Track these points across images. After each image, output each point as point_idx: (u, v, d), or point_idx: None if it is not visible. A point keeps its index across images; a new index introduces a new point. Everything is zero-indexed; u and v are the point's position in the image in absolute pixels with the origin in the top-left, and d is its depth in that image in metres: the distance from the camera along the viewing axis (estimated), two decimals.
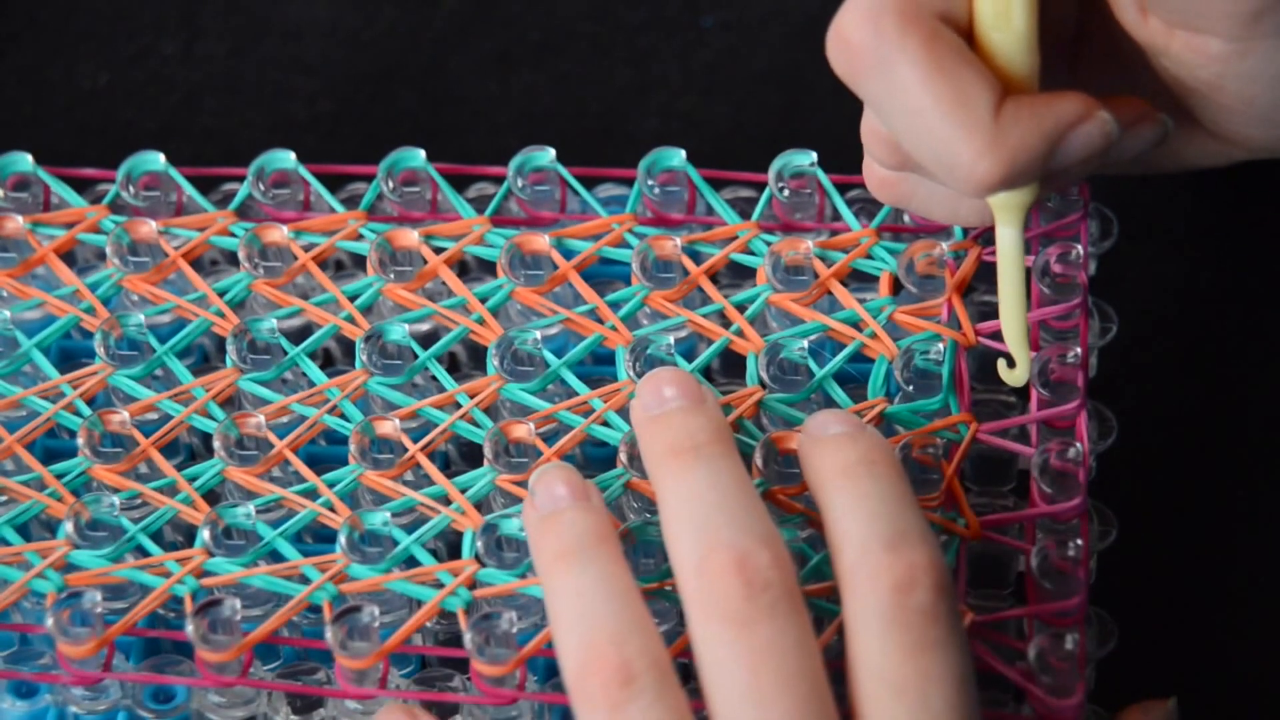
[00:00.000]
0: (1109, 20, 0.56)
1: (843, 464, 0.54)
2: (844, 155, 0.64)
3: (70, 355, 0.65)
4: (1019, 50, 0.54)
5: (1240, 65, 0.54)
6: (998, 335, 0.62)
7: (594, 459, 0.62)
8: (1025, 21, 0.54)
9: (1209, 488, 0.65)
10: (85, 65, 0.74)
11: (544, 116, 0.73)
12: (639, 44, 0.74)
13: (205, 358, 0.66)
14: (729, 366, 0.64)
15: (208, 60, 0.74)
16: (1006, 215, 0.56)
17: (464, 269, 0.66)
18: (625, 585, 0.53)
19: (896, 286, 0.63)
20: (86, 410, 0.61)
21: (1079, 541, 0.57)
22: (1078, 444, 0.59)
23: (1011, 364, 0.59)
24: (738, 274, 0.66)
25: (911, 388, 0.61)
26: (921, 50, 0.52)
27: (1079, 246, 0.61)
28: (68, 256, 0.66)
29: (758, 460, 0.59)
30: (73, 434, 0.61)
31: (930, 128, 0.53)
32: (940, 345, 0.61)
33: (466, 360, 0.66)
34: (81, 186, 0.67)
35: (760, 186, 0.66)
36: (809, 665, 0.51)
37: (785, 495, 0.59)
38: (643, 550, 0.58)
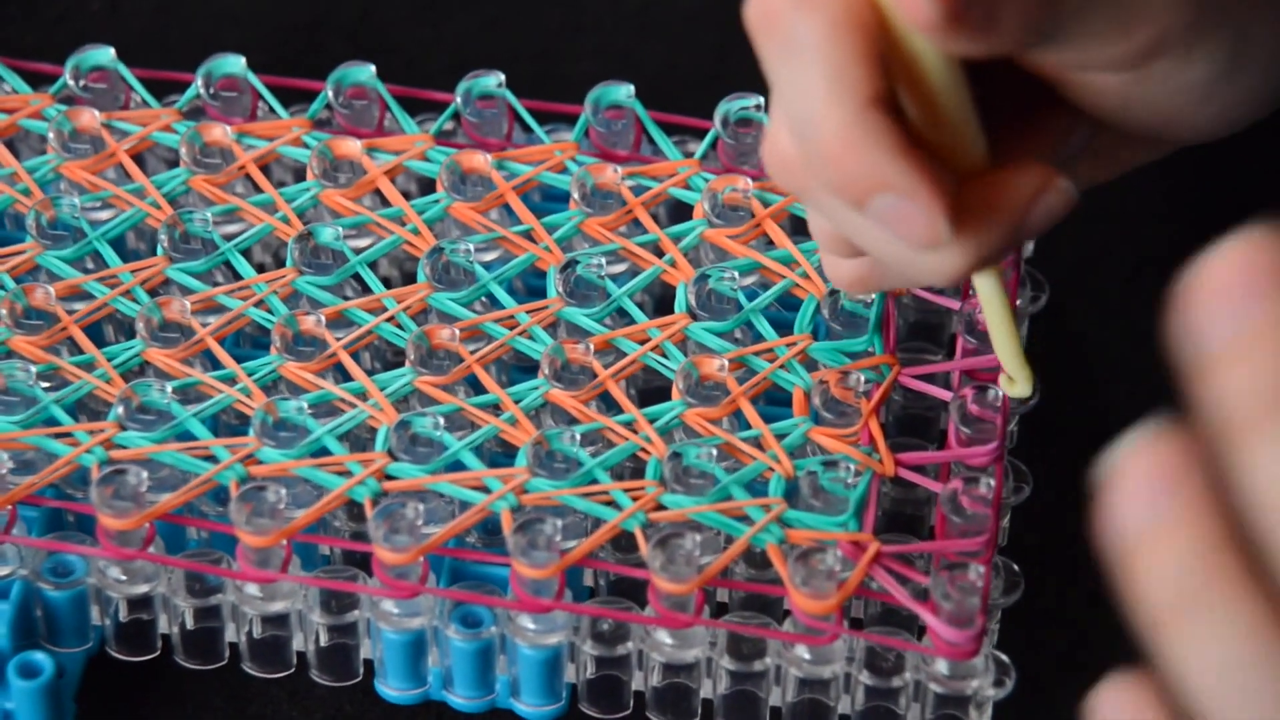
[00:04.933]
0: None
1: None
2: None
3: (6, 241, 0.65)
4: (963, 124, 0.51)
5: (1140, 89, 0.52)
6: (929, 288, 0.63)
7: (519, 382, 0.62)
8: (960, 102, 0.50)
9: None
10: (10, 27, 0.74)
11: (478, 61, 0.73)
12: None
13: (137, 257, 0.66)
14: (663, 308, 0.64)
15: (134, 16, 0.74)
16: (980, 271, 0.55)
17: (408, 198, 0.66)
18: None
19: None
20: (11, 284, 0.61)
21: (991, 481, 0.57)
22: (996, 388, 0.59)
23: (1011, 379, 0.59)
24: (679, 219, 0.66)
25: (839, 328, 0.61)
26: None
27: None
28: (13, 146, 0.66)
29: (679, 383, 0.59)
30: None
31: (895, 253, 0.51)
32: None
33: (400, 285, 0.66)
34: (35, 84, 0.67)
35: (703, 134, 0.66)
36: None
37: (703, 419, 0.59)
38: (557, 456, 0.57)
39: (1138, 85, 0.52)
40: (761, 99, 0.65)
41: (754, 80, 0.65)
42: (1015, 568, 0.58)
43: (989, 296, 0.56)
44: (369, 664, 0.59)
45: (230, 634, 0.59)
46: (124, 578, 0.58)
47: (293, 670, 0.59)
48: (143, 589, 0.58)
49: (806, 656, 0.57)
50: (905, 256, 0.51)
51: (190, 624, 0.59)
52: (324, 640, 0.59)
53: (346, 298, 0.62)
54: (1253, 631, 0.36)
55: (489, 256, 0.63)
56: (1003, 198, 0.51)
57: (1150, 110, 0.53)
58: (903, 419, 0.63)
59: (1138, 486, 0.36)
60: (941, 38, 0.47)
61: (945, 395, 0.60)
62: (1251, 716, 0.36)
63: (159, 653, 0.59)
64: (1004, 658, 0.57)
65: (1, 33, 0.73)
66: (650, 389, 0.62)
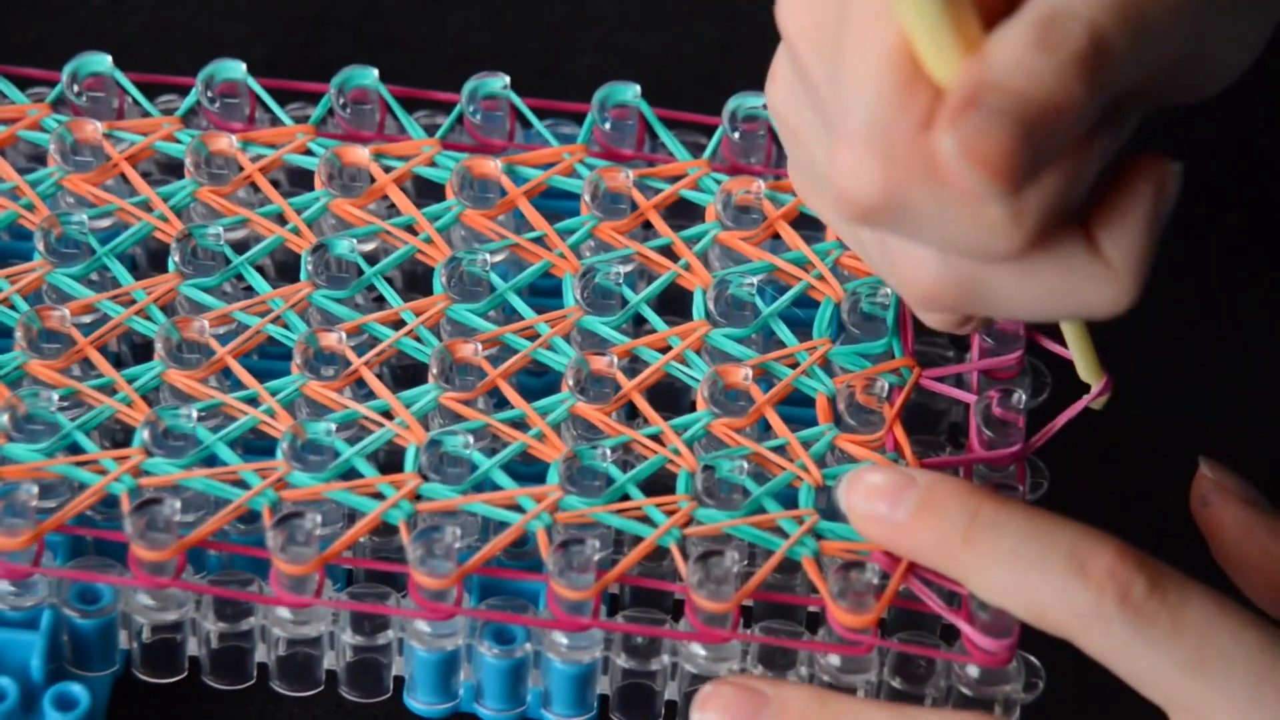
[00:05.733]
0: None
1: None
2: None
3: (5, 255, 0.64)
4: None
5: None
6: None
7: (530, 388, 0.62)
8: None
9: (1143, 443, 0.65)
10: (13, 20, 0.73)
11: (480, 55, 0.73)
12: None
13: (134, 266, 0.65)
14: (669, 305, 0.64)
15: (137, 10, 0.73)
16: None
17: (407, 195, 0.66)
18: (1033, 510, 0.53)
19: None
20: (24, 306, 0.60)
21: (1020, 487, 0.58)
22: (1020, 391, 0.59)
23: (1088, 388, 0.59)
24: (685, 216, 0.65)
25: (857, 331, 0.61)
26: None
27: None
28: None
29: (704, 393, 0.59)
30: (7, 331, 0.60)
31: (1055, 309, 0.52)
32: (886, 289, 0.61)
33: (403, 288, 0.65)
34: (25, 90, 0.66)
35: (707, 129, 0.66)
36: None
37: (730, 429, 0.59)
38: (588, 473, 0.57)
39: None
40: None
41: (757, 75, 0.65)
42: None
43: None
44: (397, 678, 0.59)
45: (259, 653, 0.59)
46: (153, 604, 0.57)
47: (322, 688, 0.59)
48: (172, 616, 0.57)
49: (838, 665, 0.57)
50: (1075, 301, 0.51)
51: (218, 645, 0.58)
52: (354, 658, 0.58)
53: (359, 306, 0.62)
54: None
55: (496, 259, 0.63)
56: (1133, 203, 0.51)
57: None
58: (911, 413, 0.63)
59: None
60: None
61: (968, 398, 0.60)
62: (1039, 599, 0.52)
63: (186, 674, 0.59)
64: (1034, 660, 0.58)
65: (5, 25, 0.72)
66: (660, 391, 0.62)
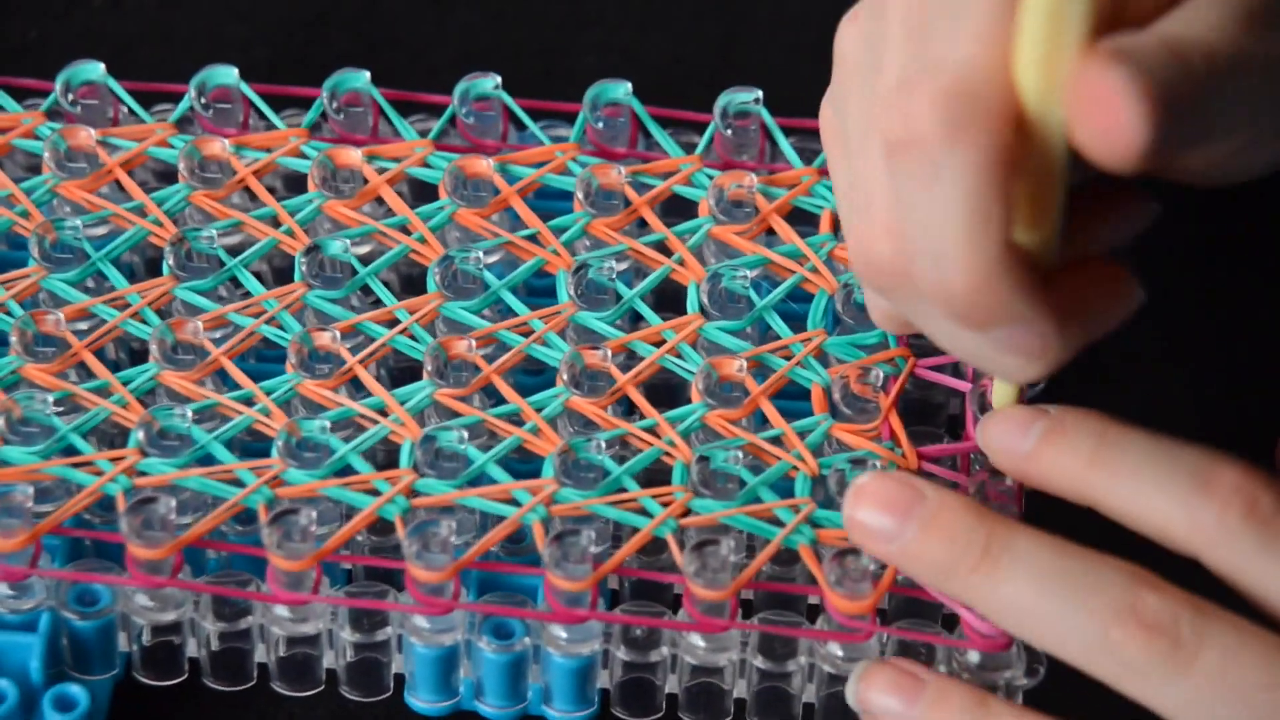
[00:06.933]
0: None
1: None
2: (783, 88, 0.64)
3: (3, 263, 0.64)
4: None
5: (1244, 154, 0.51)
6: None
7: (527, 387, 0.62)
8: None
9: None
10: (14, 21, 0.73)
11: (481, 56, 0.73)
12: None
13: (131, 272, 0.65)
14: (665, 303, 0.64)
15: (138, 11, 0.73)
16: None
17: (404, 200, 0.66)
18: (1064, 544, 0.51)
19: (837, 224, 0.63)
20: (19, 311, 0.60)
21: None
22: None
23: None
24: (678, 213, 0.66)
25: (851, 322, 0.61)
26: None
27: None
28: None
29: (699, 385, 0.59)
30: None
31: (979, 356, 0.52)
32: None
33: (400, 291, 0.65)
34: (19, 99, 0.66)
35: (701, 127, 0.66)
36: None
37: (725, 420, 0.59)
38: (584, 466, 0.57)
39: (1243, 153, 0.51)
40: (760, 92, 0.65)
41: (757, 73, 0.65)
42: None
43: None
44: (398, 677, 0.59)
45: (259, 654, 0.59)
46: (151, 604, 0.57)
47: (322, 688, 0.59)
48: (171, 616, 0.57)
49: (840, 654, 0.57)
50: (988, 361, 0.51)
51: (218, 646, 0.58)
52: (354, 657, 0.58)
53: (354, 308, 0.62)
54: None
55: (493, 259, 0.63)
56: (1080, 304, 0.50)
57: (1225, 167, 0.52)
58: (909, 406, 0.63)
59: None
60: (1124, 163, 0.46)
61: (962, 386, 0.60)
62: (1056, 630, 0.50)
63: (186, 676, 0.59)
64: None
65: (5, 25, 0.72)
66: (658, 390, 0.62)
